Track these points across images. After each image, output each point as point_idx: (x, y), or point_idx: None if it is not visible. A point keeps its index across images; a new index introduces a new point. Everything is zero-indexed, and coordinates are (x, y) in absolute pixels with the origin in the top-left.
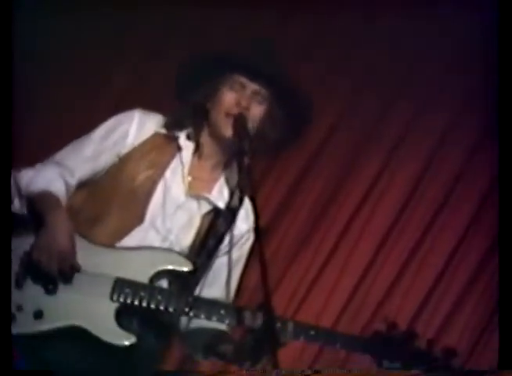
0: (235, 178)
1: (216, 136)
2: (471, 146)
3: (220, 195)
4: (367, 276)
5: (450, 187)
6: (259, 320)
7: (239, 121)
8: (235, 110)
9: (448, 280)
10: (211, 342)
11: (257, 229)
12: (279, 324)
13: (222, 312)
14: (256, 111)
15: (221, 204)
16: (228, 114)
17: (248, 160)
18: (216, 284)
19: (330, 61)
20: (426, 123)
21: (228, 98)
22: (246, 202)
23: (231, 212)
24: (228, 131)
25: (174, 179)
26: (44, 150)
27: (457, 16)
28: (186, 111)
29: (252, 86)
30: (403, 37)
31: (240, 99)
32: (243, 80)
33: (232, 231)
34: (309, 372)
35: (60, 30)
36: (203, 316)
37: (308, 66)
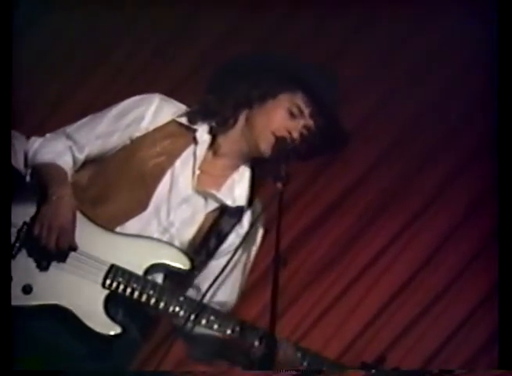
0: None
1: (249, 142)
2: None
3: (229, 192)
4: (378, 319)
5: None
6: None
7: (282, 145)
8: (281, 133)
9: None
10: (221, 347)
11: (277, 255)
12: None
13: (225, 322)
14: (296, 142)
15: (230, 202)
16: (273, 133)
17: (281, 186)
18: (223, 287)
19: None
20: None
21: (282, 120)
22: (257, 203)
23: (238, 212)
24: (266, 148)
25: (184, 171)
26: None
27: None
28: (223, 104)
29: (307, 119)
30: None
31: (293, 129)
32: (302, 105)
33: (238, 231)
34: None
35: (61, 28)
36: (203, 323)
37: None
